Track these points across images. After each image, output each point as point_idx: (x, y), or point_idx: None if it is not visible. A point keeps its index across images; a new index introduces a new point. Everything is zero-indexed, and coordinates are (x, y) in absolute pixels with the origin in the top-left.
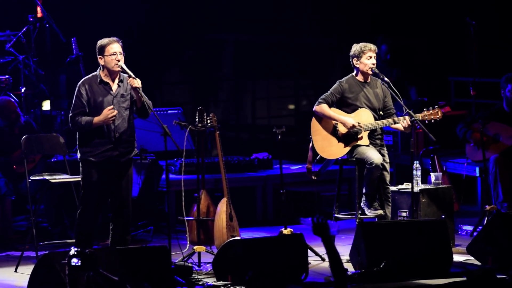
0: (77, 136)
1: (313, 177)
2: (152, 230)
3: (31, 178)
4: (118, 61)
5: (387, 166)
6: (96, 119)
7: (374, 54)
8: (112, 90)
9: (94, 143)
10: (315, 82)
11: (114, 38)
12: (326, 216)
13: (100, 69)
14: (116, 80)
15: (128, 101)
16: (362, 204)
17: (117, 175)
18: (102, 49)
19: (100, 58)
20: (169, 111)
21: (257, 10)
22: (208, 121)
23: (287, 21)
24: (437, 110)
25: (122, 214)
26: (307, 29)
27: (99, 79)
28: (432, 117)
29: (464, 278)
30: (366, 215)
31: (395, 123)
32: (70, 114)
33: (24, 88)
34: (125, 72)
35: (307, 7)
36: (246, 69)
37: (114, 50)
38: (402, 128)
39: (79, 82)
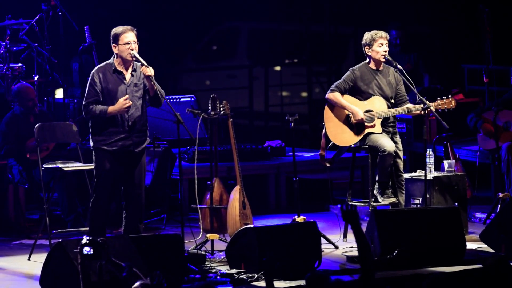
0: (90, 124)
1: (326, 164)
2: (165, 218)
3: (44, 166)
4: (132, 50)
5: (400, 153)
6: (111, 108)
7: (386, 41)
8: (125, 79)
9: (107, 132)
10: (329, 69)
11: (129, 27)
12: (340, 203)
13: (114, 57)
14: (130, 69)
15: (141, 90)
16: (375, 191)
17: (131, 164)
18: (117, 37)
19: (114, 46)
20: (182, 99)
21: None
22: (221, 109)
23: (301, 8)
24: (450, 99)
25: (135, 203)
26: (321, 17)
27: (113, 68)
28: (445, 106)
29: (478, 266)
30: (379, 202)
31: (408, 112)
32: (84, 102)
33: (37, 76)
34: (138, 61)
35: None
36: (259, 57)
37: (128, 39)
38: (419, 113)
39: (93, 70)
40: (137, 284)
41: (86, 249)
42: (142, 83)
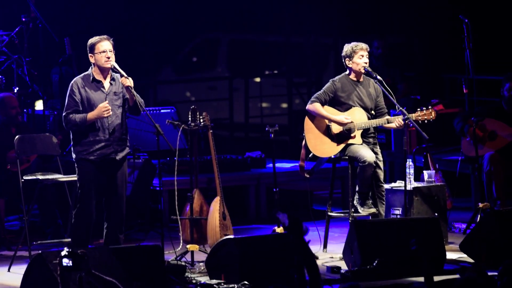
0: (71, 137)
1: (306, 175)
2: (145, 229)
3: (24, 178)
4: (108, 58)
5: (381, 164)
6: (90, 114)
7: (366, 53)
8: (104, 88)
9: (88, 141)
10: (309, 80)
11: (104, 36)
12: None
13: (91, 68)
14: (108, 78)
15: (121, 99)
16: (355, 202)
17: (113, 172)
18: (93, 47)
19: (91, 56)
20: (162, 111)
21: (251, 9)
22: (201, 120)
23: (282, 20)
24: (430, 110)
25: (117, 213)
26: (301, 28)
27: (91, 78)
28: (425, 117)
29: (457, 276)
30: (359, 213)
31: (388, 123)
32: (64, 114)
33: (17, 88)
34: (117, 72)
35: (302, 6)
36: (239, 68)
37: (104, 48)
38: (395, 126)
39: (72, 81)
40: None
41: (65, 261)
42: (122, 92)
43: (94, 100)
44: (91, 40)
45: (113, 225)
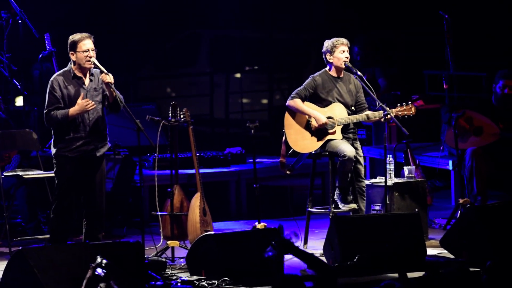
0: (52, 133)
1: (286, 172)
2: (126, 225)
3: (4, 174)
4: (90, 57)
5: (361, 159)
6: (72, 110)
7: (347, 48)
8: (84, 84)
9: (69, 138)
10: (289, 76)
11: (86, 34)
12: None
13: (71, 63)
14: (88, 74)
15: (101, 95)
16: (335, 197)
17: (92, 169)
18: (74, 45)
19: (72, 54)
20: (143, 106)
21: (232, 5)
22: (182, 116)
23: (263, 16)
24: (410, 106)
25: (96, 210)
26: (283, 25)
27: (72, 74)
28: (405, 113)
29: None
30: (340, 209)
31: (368, 119)
32: (45, 110)
33: None
34: (98, 68)
35: (283, 2)
36: (220, 64)
37: (87, 47)
38: (377, 119)
39: (52, 78)
40: None
41: (99, 271)
42: (101, 88)
43: (75, 96)
44: (72, 38)
45: (92, 222)
